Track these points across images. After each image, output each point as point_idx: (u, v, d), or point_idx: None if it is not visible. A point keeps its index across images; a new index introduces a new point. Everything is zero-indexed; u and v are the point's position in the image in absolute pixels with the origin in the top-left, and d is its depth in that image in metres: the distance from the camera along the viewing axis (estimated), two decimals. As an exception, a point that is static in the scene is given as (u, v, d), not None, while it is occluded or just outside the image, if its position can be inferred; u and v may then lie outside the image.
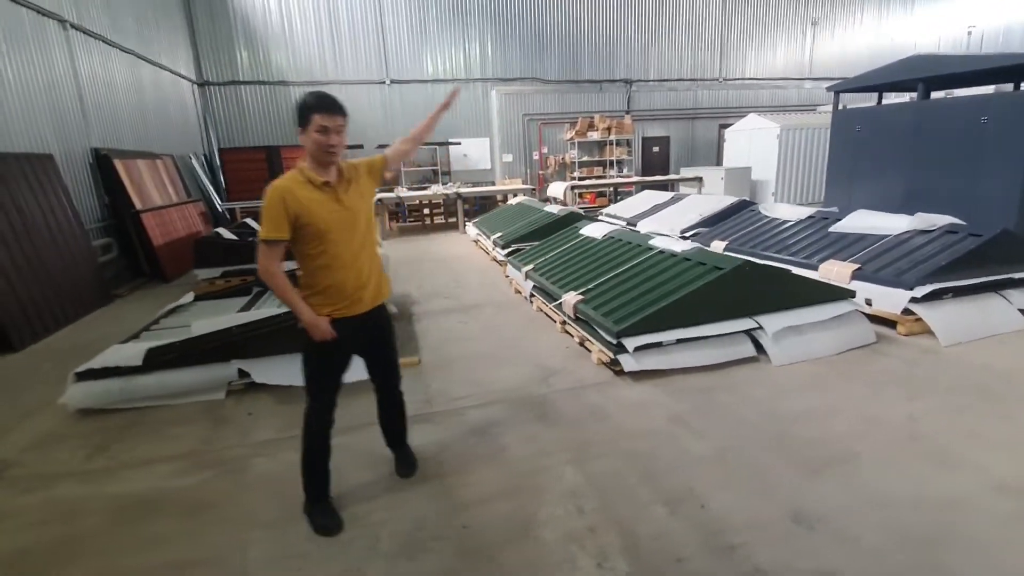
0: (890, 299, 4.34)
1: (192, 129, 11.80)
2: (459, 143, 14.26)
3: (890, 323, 4.40)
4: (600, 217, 10.47)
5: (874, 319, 4.49)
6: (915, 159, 7.05)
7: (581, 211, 7.78)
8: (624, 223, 9.39)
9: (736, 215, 7.27)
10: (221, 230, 7.97)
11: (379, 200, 10.97)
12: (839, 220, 5.76)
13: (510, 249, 7.23)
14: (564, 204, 12.04)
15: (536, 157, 14.98)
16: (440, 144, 13.94)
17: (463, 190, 11.47)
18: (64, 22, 7.16)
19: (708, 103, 16.02)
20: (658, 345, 3.73)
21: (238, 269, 7.28)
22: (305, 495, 2.40)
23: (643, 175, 15.70)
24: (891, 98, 8.69)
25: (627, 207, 9.99)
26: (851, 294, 4.18)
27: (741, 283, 3.84)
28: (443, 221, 12.84)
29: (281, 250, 2.13)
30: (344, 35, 13.14)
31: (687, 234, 7.52)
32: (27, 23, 6.42)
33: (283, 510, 2.48)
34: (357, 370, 3.29)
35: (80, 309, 6.27)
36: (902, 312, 4.26)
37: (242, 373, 3.79)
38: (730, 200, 7.74)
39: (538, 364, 4.08)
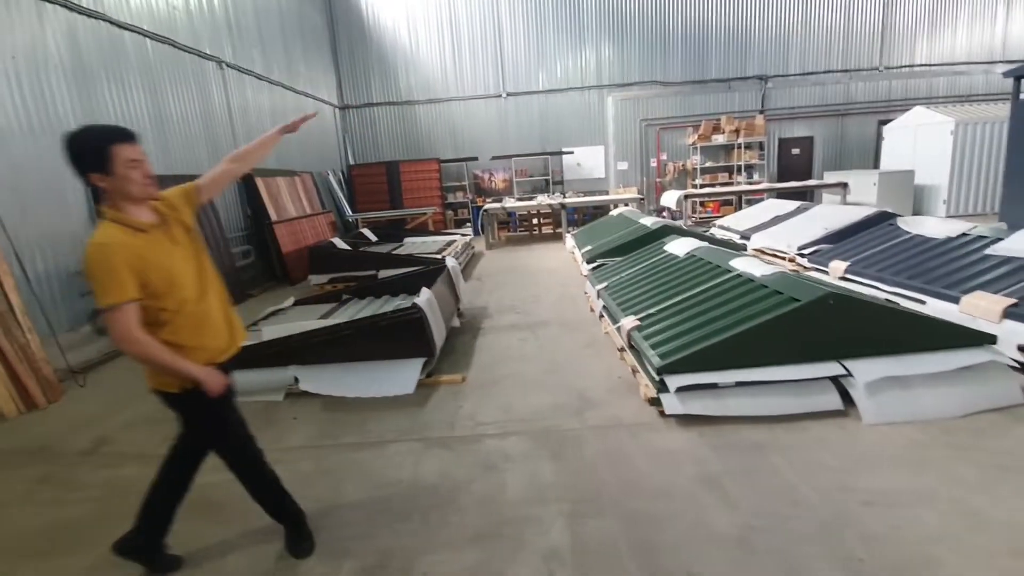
0: (1057, 349, 3.27)
1: (331, 148, 13.20)
2: (571, 152, 14.07)
3: (1059, 380, 3.31)
4: (712, 229, 9.60)
5: (1035, 373, 3.44)
6: None
7: (681, 224, 7.15)
8: (738, 236, 8.50)
9: (870, 230, 6.12)
10: (336, 240, 8.77)
11: (485, 210, 11.24)
12: (1001, 240, 4.52)
13: (595, 264, 6.89)
14: (678, 215, 11.26)
15: (653, 164, 14.22)
16: (552, 154, 13.88)
17: (568, 200, 11.27)
18: (221, 63, 8.45)
19: (864, 96, 13.83)
20: (712, 386, 3.22)
21: (345, 276, 7.94)
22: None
23: (780, 180, 14.08)
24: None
25: (743, 218, 8.99)
26: (990, 339, 3.22)
27: (824, 319, 3.16)
28: (551, 231, 12.77)
29: (136, 311, 1.81)
30: (464, 51, 13.72)
31: (806, 251, 6.52)
32: (189, 66, 7.68)
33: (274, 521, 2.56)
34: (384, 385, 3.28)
35: (216, 307, 7.30)
36: (1075, 368, 3.18)
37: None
38: (865, 212, 6.55)
39: (581, 394, 3.77)
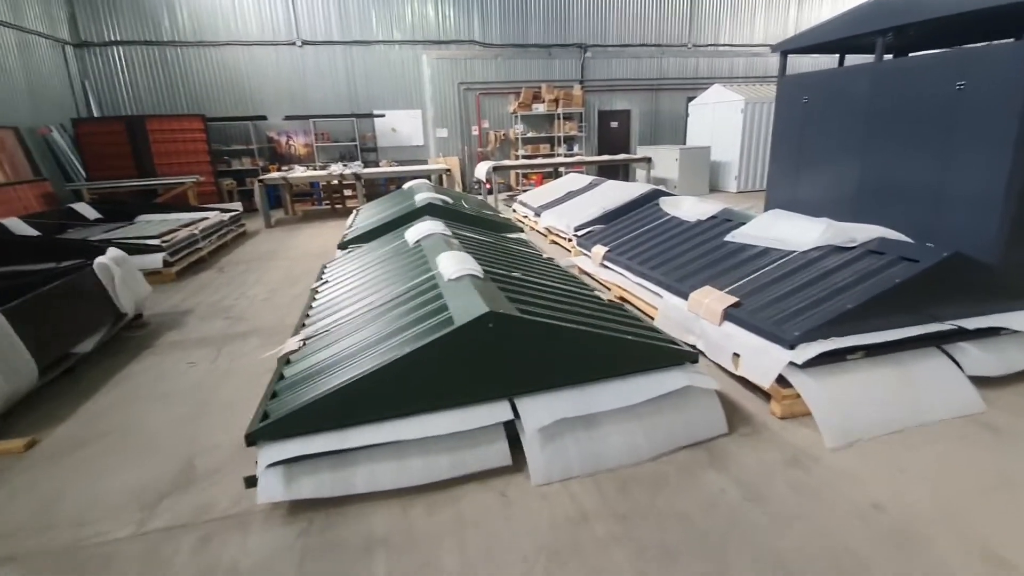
0: (760, 360, 2.81)
1: (58, 97, 10.18)
2: (383, 115, 12.56)
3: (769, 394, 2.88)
4: (515, 205, 8.95)
5: (751, 386, 3.02)
6: (870, 141, 5.40)
7: (445, 200, 6.21)
8: (533, 213, 7.88)
9: (640, 209, 5.70)
10: (11, 220, 6.47)
11: (261, 181, 9.40)
12: (742, 225, 4.18)
13: (348, 251, 5.70)
14: (502, 187, 10.48)
15: (475, 133, 13.28)
16: (359, 116, 12.25)
17: (366, 171, 9.87)
18: None
19: (675, 72, 14.15)
20: (339, 452, 2.24)
21: (14, 271, 5.82)
22: None
23: (600, 154, 14.02)
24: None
25: (540, 194, 8.41)
26: (691, 357, 2.64)
27: (487, 346, 2.31)
28: (357, 205, 11.30)
29: None
30: (244, -13, 11.37)
31: (580, 232, 5.97)
32: None
33: None
34: None
35: None
36: (777, 381, 2.73)
37: None
38: (640, 190, 6.14)
39: (195, 459, 2.60)
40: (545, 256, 4.81)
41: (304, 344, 2.98)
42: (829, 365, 2.73)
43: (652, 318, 3.86)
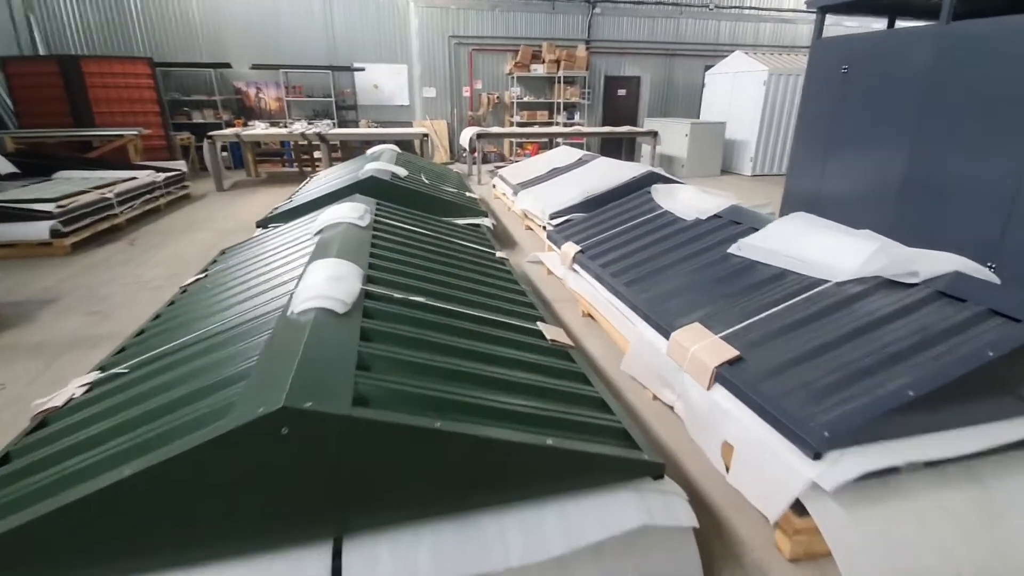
0: (764, 468, 1.81)
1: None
2: (363, 69, 11.30)
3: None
4: (495, 180, 7.86)
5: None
6: (925, 125, 4.27)
7: (396, 173, 5.15)
8: (512, 192, 6.81)
9: (630, 197, 4.62)
10: None
11: (210, 137, 8.29)
12: (754, 231, 3.13)
13: (272, 227, 4.69)
14: (474, 157, 9.35)
15: (467, 94, 12.01)
16: (336, 69, 11.00)
17: (332, 131, 8.74)
18: None
19: (693, 36, 12.71)
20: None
21: None
22: None
23: (605, 124, 12.76)
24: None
25: (521, 169, 7.31)
26: (653, 471, 1.65)
27: (289, 461, 1.33)
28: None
29: None
30: (208, -88, 10.00)
31: (555, 221, 4.93)
32: None
33: None
34: None
35: None
36: (791, 507, 1.75)
37: None
38: (631, 173, 5.06)
39: None
40: (499, 255, 3.79)
41: (89, 390, 2.02)
42: (870, 480, 1.74)
43: (623, 351, 2.88)
